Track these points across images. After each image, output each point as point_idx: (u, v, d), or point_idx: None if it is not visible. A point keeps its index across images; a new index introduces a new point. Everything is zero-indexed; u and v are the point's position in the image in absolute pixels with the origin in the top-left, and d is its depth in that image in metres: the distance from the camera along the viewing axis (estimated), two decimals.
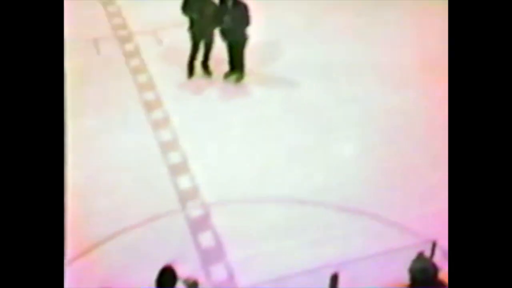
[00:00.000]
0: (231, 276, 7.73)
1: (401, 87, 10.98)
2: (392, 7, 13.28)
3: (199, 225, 8.39)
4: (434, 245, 6.81)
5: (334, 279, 6.53)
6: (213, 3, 10.80)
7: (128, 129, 10.03)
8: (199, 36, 10.95)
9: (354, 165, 9.43)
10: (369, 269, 7.48)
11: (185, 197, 8.81)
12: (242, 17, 10.65)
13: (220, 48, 11.08)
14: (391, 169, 9.24)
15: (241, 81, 11.12)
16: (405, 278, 5.67)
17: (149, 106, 10.58)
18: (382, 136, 9.89)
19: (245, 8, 10.67)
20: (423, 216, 8.27)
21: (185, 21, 10.96)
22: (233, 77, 11.14)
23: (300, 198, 8.76)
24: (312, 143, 9.78)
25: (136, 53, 12.03)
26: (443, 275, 5.53)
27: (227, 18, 10.64)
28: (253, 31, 10.85)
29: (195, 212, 8.59)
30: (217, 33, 10.95)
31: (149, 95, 10.86)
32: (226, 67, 11.18)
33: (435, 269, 5.57)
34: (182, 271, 6.06)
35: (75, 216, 8.37)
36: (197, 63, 11.22)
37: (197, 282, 6.09)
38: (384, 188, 8.91)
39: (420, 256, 5.72)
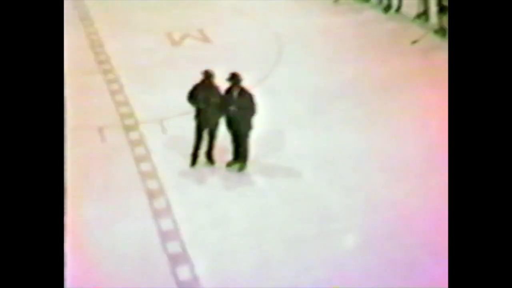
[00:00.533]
0: None
1: (404, 177, 10.98)
2: (392, 98, 13.49)
3: None
4: None
5: None
6: (219, 92, 11.01)
7: (129, 217, 10.04)
8: (204, 124, 11.10)
9: (356, 256, 9.32)
10: None
11: (185, 287, 8.70)
12: (248, 106, 10.82)
13: (223, 137, 11.21)
14: (394, 262, 9.11)
15: (244, 170, 11.17)
16: None
17: (151, 194, 10.62)
18: (384, 227, 9.81)
19: (251, 98, 10.85)
20: None
21: (190, 110, 11.16)
22: (236, 166, 11.21)
23: None
24: (313, 233, 9.71)
25: (140, 141, 12.19)
26: None
27: (233, 108, 10.80)
28: (257, 120, 11.02)
29: None
30: (221, 122, 11.10)
31: (152, 184, 10.92)
32: (229, 156, 11.27)
33: None
34: None
35: None
36: (200, 152, 11.33)
37: None
38: (386, 281, 8.77)
39: None
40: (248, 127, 10.98)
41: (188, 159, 11.32)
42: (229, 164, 11.22)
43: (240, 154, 11.19)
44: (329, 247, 9.50)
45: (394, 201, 10.37)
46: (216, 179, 11.10)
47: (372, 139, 12.15)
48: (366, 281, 8.78)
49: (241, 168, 11.17)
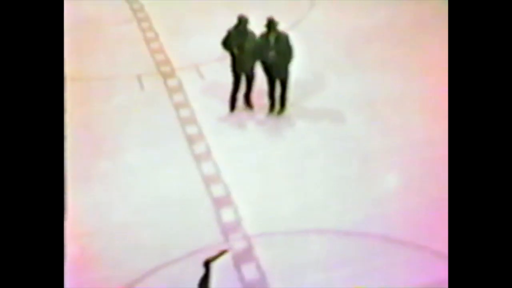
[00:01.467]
0: None
1: (443, 116, 10.88)
2: (431, 37, 13.27)
3: (242, 257, 8.43)
4: None
5: None
6: (254, 38, 10.97)
7: (171, 163, 10.19)
8: (240, 70, 11.11)
9: (397, 195, 9.38)
10: None
11: (228, 229, 8.88)
12: (286, 51, 10.77)
13: (261, 81, 11.22)
14: (434, 200, 9.14)
15: (283, 114, 11.21)
16: None
17: (191, 140, 10.75)
18: (424, 167, 9.81)
19: (288, 43, 10.78)
20: None
21: (226, 55, 11.17)
22: (276, 110, 11.25)
23: (343, 230, 8.75)
24: (355, 174, 9.78)
25: (179, 88, 12.27)
26: None
27: (271, 54, 10.77)
28: (294, 64, 10.99)
29: (238, 244, 8.64)
30: (258, 66, 11.10)
31: (192, 129, 11.04)
32: (267, 100, 11.30)
33: None
34: None
35: (120, 249, 8.57)
36: (239, 96, 11.38)
37: None
38: (427, 219, 8.83)
39: None
40: (286, 72, 10.96)
41: (227, 104, 11.39)
42: (269, 110, 11.24)
43: (278, 98, 11.22)
44: (369, 187, 9.56)
45: (433, 141, 10.32)
46: (255, 123, 11.17)
47: (410, 79, 12.04)
48: (407, 221, 8.84)
49: (280, 112, 11.20)
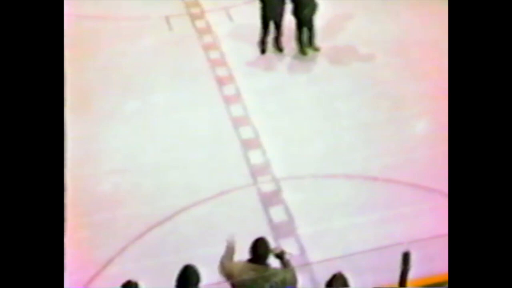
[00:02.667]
0: (302, 251, 7.81)
1: None
2: None
3: (270, 199, 8.50)
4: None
5: (406, 257, 6.48)
6: None
7: (200, 104, 10.19)
8: (269, 12, 10.97)
9: (426, 142, 9.31)
10: (441, 248, 7.38)
11: (257, 171, 8.92)
12: None
13: (291, 23, 11.07)
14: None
15: (311, 55, 11.08)
16: None
17: (221, 82, 10.71)
18: None
19: None
20: None
21: None
22: (305, 51, 11.13)
23: (371, 175, 8.74)
24: (384, 119, 9.70)
25: (207, 30, 12.16)
26: None
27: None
28: (323, 5, 10.82)
29: (267, 186, 8.70)
30: (287, 9, 10.94)
31: (221, 71, 10.98)
32: (296, 43, 11.18)
33: None
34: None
35: (150, 188, 8.69)
36: (268, 40, 11.26)
37: (284, 251, 6.19)
38: None
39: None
40: (314, 11, 10.81)
41: (256, 47, 11.29)
42: (301, 51, 11.13)
43: (308, 40, 11.12)
44: (398, 133, 9.50)
45: None
46: (285, 66, 11.09)
47: (443, 24, 11.76)
48: (435, 168, 8.79)
49: (308, 52, 11.08)
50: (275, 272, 6.05)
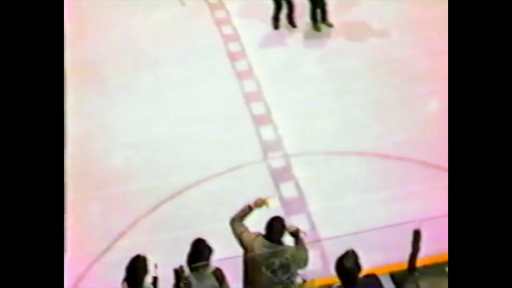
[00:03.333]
0: (312, 227, 7.83)
1: None
2: None
3: (281, 175, 8.51)
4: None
5: (417, 235, 6.48)
6: None
7: (213, 80, 10.17)
8: None
9: (439, 120, 9.24)
10: None
11: (268, 147, 8.93)
12: None
13: None
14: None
15: (324, 31, 11.01)
16: None
17: (233, 57, 10.67)
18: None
19: None
20: None
21: None
22: (319, 28, 11.07)
23: (383, 152, 8.72)
24: (397, 97, 9.64)
25: (220, 5, 12.07)
26: None
27: None
28: None
29: (278, 162, 8.71)
30: None
31: (234, 46, 10.94)
32: (310, 18, 11.09)
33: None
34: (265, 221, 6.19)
35: (162, 162, 8.72)
36: (281, 16, 11.19)
37: (299, 230, 6.22)
38: None
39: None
40: None
41: (269, 23, 11.22)
42: (314, 27, 11.06)
43: (320, 16, 11.05)
44: (411, 111, 9.45)
45: None
46: (298, 42, 11.01)
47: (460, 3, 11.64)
48: (447, 146, 8.72)
49: (323, 28, 11.02)
50: (286, 249, 6.08)
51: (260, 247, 6.03)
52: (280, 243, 6.08)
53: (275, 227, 6.06)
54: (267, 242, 6.04)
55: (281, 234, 6.08)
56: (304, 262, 6.10)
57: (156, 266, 5.95)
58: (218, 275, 5.94)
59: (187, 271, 5.90)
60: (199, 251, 5.92)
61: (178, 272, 5.82)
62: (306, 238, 6.21)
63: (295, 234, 6.17)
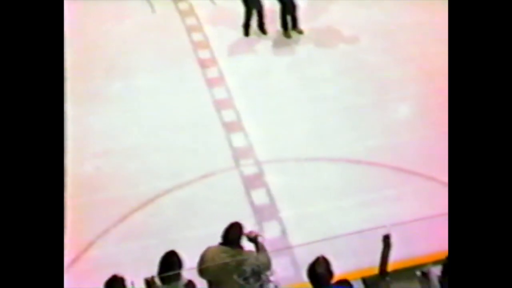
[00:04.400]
0: (283, 233, 7.82)
1: None
2: None
3: (252, 182, 8.49)
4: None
5: (387, 240, 6.52)
6: None
7: (184, 87, 10.13)
8: (250, 3, 10.95)
9: (409, 126, 9.33)
10: (423, 231, 7.43)
11: (239, 155, 8.90)
12: None
13: (275, 5, 11.01)
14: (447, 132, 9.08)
15: (295, 38, 11.04)
16: None
17: (204, 64, 10.64)
18: (439, 98, 9.71)
19: None
20: None
21: None
22: (289, 35, 11.10)
23: (354, 158, 8.75)
24: (368, 103, 9.69)
25: (190, 12, 12.06)
26: None
27: None
28: None
29: (249, 169, 8.68)
30: None
31: (204, 53, 10.91)
32: (281, 25, 11.12)
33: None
34: None
35: (133, 170, 8.65)
36: (252, 22, 11.20)
37: (258, 235, 6.21)
38: (440, 150, 8.78)
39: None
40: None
41: (239, 30, 11.23)
42: (285, 36, 11.08)
43: (291, 23, 11.10)
44: (382, 117, 9.51)
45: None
46: (268, 49, 11.03)
47: (429, 10, 11.77)
48: (418, 152, 8.82)
49: (293, 35, 11.03)
50: (248, 255, 6.05)
51: (218, 254, 6.00)
52: (239, 247, 6.06)
53: (231, 232, 6.06)
54: (225, 248, 6.02)
55: (238, 238, 6.06)
56: (266, 267, 6.07)
57: (132, 284, 5.90)
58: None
59: (158, 282, 5.85)
60: (170, 264, 5.87)
61: (149, 283, 5.75)
62: (274, 242, 6.18)
63: (254, 239, 6.15)
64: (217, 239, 6.17)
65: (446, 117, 9.28)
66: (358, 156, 8.78)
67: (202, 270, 6.10)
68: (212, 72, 10.47)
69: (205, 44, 11.17)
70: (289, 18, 11.03)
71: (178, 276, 5.92)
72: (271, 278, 6.20)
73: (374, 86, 10.03)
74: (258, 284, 5.94)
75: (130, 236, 7.75)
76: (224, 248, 6.04)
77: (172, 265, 5.87)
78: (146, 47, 11.05)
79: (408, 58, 10.61)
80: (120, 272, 5.88)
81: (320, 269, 5.33)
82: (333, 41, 11.11)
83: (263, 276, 5.96)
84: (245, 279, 5.92)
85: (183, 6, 12.28)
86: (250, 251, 6.16)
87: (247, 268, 5.92)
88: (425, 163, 8.60)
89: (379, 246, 6.54)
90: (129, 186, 8.40)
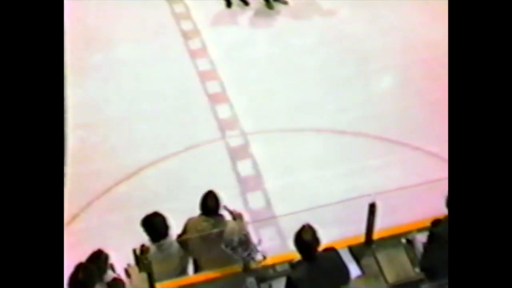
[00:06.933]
0: (268, 204, 7.85)
1: (443, 17, 10.68)
2: None
3: (238, 153, 8.48)
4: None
5: (372, 209, 6.53)
6: None
7: (166, 58, 10.02)
8: None
9: (393, 96, 9.35)
10: (407, 199, 7.48)
11: (225, 126, 8.87)
12: None
13: None
14: (431, 101, 9.13)
15: (277, 9, 10.95)
16: (442, 209, 5.68)
17: (186, 36, 10.53)
18: (422, 68, 9.74)
19: None
20: None
21: None
22: (272, 5, 11.00)
23: (339, 129, 8.76)
24: (351, 73, 9.68)
25: None
26: None
27: None
28: None
29: (235, 141, 8.66)
30: None
31: (187, 25, 10.79)
32: None
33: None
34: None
35: (117, 142, 8.58)
36: None
37: (241, 215, 6.22)
38: (423, 120, 8.85)
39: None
40: None
41: (221, 1, 11.10)
42: (267, 7, 10.99)
43: None
44: (366, 87, 9.52)
45: (432, 42, 10.19)
46: (252, 20, 10.91)
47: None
48: (402, 121, 8.86)
49: (276, 6, 10.96)
50: (229, 223, 6.07)
51: (200, 223, 6.02)
52: (218, 216, 6.07)
53: (209, 200, 6.04)
54: (205, 217, 6.03)
55: (216, 206, 6.06)
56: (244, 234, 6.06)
57: (112, 266, 5.89)
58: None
59: (151, 247, 5.89)
60: (156, 224, 5.96)
61: (141, 251, 5.76)
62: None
63: (227, 209, 6.19)
64: None
65: (429, 86, 9.46)
66: (343, 126, 8.80)
67: (185, 241, 6.11)
68: (195, 43, 10.37)
69: (187, 15, 11.03)
70: None
71: (166, 235, 5.98)
72: (259, 247, 6.22)
73: (356, 57, 10.00)
74: (246, 253, 5.95)
75: (114, 208, 7.72)
76: (204, 217, 6.04)
77: (157, 225, 5.94)
78: (127, 18, 10.86)
79: (389, 28, 10.57)
80: (105, 244, 5.87)
81: (307, 237, 5.34)
82: (315, 12, 11.02)
83: (251, 246, 5.96)
84: (233, 248, 5.93)
85: None
86: (230, 220, 6.18)
87: (235, 238, 5.93)
88: (409, 132, 8.65)
89: (364, 215, 6.56)
90: (112, 158, 8.34)
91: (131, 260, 5.99)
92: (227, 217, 6.24)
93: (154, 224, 5.99)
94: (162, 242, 5.99)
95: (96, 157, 8.38)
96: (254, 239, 6.13)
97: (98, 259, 5.68)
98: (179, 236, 6.17)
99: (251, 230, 6.46)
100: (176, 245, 6.09)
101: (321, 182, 8.05)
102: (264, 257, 6.01)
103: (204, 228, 5.97)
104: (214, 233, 5.97)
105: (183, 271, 6.28)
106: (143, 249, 5.73)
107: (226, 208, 6.21)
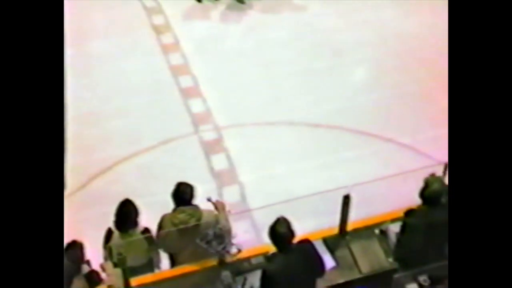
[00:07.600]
0: (243, 198, 7.85)
1: (415, 9, 10.80)
2: None
3: (212, 148, 8.47)
4: (446, 167, 6.80)
5: (346, 200, 6.58)
6: None
7: (138, 53, 9.96)
8: None
9: (366, 88, 9.41)
10: (381, 190, 7.53)
11: (198, 120, 8.85)
12: None
13: None
14: (403, 93, 9.22)
15: (248, 3, 10.93)
16: (416, 199, 5.74)
17: (158, 30, 10.47)
18: (394, 60, 9.82)
19: None
20: (435, 139, 8.29)
21: None
22: (243, 0, 10.98)
23: (313, 122, 8.79)
24: (324, 67, 9.71)
25: None
26: None
27: None
28: None
29: (208, 135, 8.65)
30: None
31: (158, 19, 10.73)
32: None
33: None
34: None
35: (90, 138, 8.51)
36: None
37: (224, 205, 6.19)
38: (396, 112, 8.92)
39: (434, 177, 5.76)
40: None
41: None
42: (240, 0, 10.96)
43: None
44: (339, 80, 9.56)
45: (405, 34, 10.28)
46: (224, 14, 10.89)
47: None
48: (376, 114, 8.92)
49: (244, 1, 10.94)
50: (205, 213, 6.01)
51: (175, 216, 5.95)
52: (193, 205, 6.00)
53: (181, 191, 5.98)
54: (180, 209, 5.96)
55: (190, 195, 5.98)
56: (227, 229, 6.03)
57: (89, 262, 5.86)
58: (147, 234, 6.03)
59: (116, 233, 5.99)
60: (126, 212, 6.00)
61: (108, 232, 5.94)
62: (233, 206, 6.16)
63: (210, 200, 6.14)
64: None
65: (402, 79, 9.53)
66: (317, 119, 8.83)
67: (161, 238, 6.06)
68: (167, 38, 10.32)
69: (158, 9, 10.97)
70: None
71: (135, 224, 5.99)
72: (233, 241, 6.21)
73: (329, 50, 10.04)
74: (221, 247, 5.93)
75: (90, 204, 7.67)
76: (179, 209, 5.97)
77: (128, 213, 5.97)
78: (97, 13, 10.76)
79: (362, 21, 10.63)
80: (80, 240, 5.83)
81: (282, 229, 5.35)
82: (286, 7, 11.03)
83: (226, 239, 5.95)
84: (208, 242, 5.91)
85: None
86: (207, 210, 6.10)
87: (210, 231, 5.91)
88: (383, 124, 8.71)
89: (339, 207, 6.60)
90: (87, 154, 8.28)
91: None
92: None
93: (124, 216, 5.99)
94: (130, 232, 6.00)
95: (70, 153, 8.28)
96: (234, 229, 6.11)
97: (73, 250, 5.66)
98: (157, 234, 6.11)
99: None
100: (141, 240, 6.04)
101: (296, 175, 8.07)
102: (239, 250, 6.00)
103: (181, 220, 5.90)
104: (190, 227, 5.94)
105: (149, 263, 6.26)
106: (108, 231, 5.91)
107: (209, 200, 6.15)
